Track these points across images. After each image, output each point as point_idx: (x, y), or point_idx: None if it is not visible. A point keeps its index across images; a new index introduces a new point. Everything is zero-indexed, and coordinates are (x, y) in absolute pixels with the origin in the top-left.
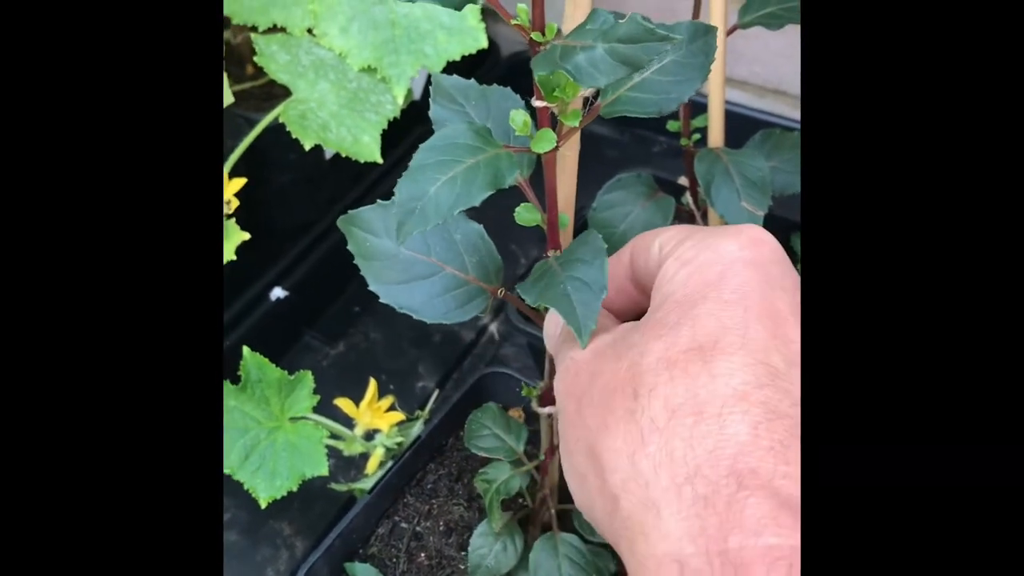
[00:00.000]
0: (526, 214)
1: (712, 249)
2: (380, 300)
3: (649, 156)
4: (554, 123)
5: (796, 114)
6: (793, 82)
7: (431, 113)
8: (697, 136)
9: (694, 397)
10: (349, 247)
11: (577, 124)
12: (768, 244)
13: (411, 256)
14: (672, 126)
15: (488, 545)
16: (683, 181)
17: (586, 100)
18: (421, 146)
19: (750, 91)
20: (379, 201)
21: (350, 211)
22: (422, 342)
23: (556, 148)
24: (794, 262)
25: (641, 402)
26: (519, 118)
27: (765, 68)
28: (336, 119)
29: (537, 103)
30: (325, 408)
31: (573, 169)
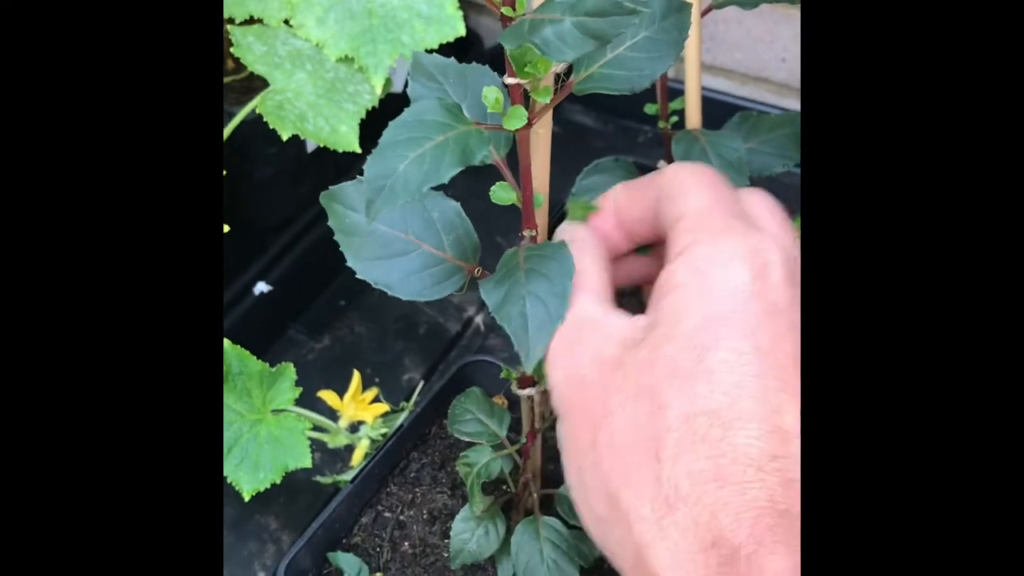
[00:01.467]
0: (501, 193)
1: (724, 270)
2: (365, 293)
3: (634, 146)
4: (527, 101)
5: (779, 101)
6: (775, 69)
7: (408, 91)
8: (675, 119)
9: (716, 465)
10: (330, 222)
11: (548, 101)
12: (776, 266)
13: (388, 233)
14: (650, 109)
15: (470, 530)
16: (661, 165)
17: (558, 77)
18: (391, 123)
19: (733, 79)
20: (359, 178)
21: (331, 187)
22: (408, 334)
23: (529, 126)
24: None
25: (665, 468)
26: (491, 95)
27: (746, 55)
28: (314, 109)
29: (509, 80)
30: (310, 401)
31: (546, 148)
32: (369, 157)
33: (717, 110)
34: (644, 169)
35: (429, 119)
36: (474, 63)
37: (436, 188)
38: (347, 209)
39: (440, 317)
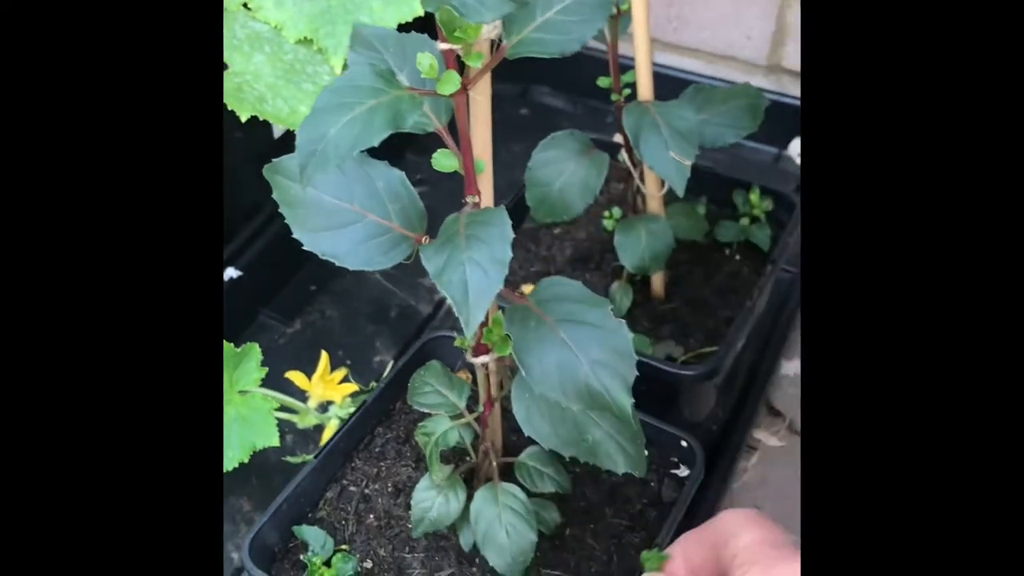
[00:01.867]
0: (443, 159)
1: None
2: (336, 277)
3: (602, 126)
4: (462, 67)
5: (746, 79)
6: (741, 47)
7: (348, 60)
8: (628, 91)
9: None
10: (275, 195)
11: (480, 65)
12: None
13: (334, 203)
14: (603, 82)
15: (431, 499)
16: (618, 139)
17: (493, 43)
18: (324, 89)
19: (700, 58)
20: None
21: (274, 160)
22: (379, 317)
23: (464, 91)
24: (734, 216)
25: None
26: (425, 61)
27: (713, 34)
28: (273, 91)
29: (441, 45)
30: (282, 385)
31: (487, 114)
32: (302, 123)
33: (683, 89)
34: (600, 143)
35: (361, 84)
36: (413, 32)
37: (399, 162)
38: (291, 182)
39: (412, 299)
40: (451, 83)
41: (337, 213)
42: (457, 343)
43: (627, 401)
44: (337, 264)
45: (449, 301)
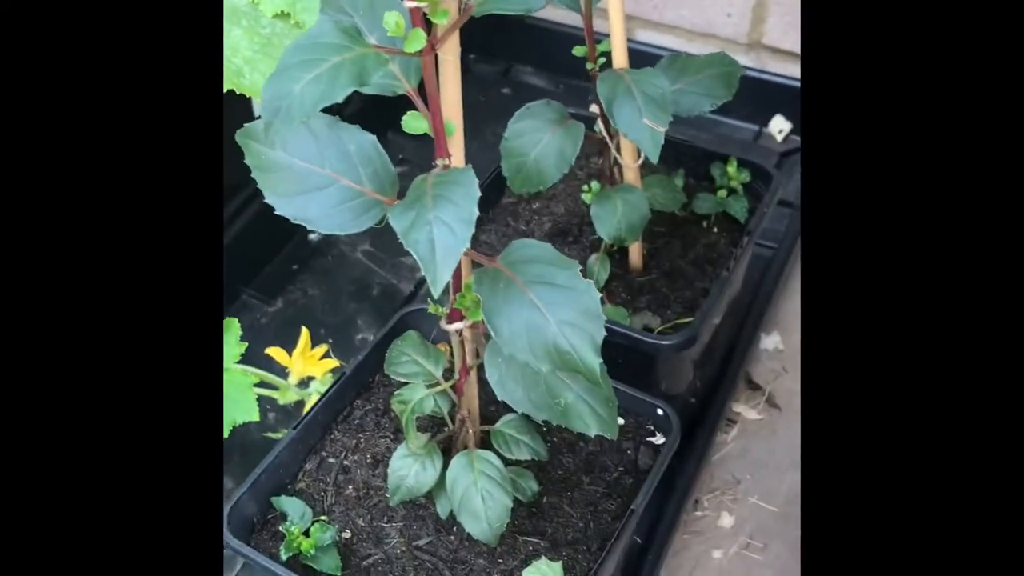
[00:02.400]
0: (412, 122)
1: None
2: (318, 256)
3: (584, 105)
4: (429, 26)
5: None
6: (722, 25)
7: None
8: (603, 60)
9: None
10: (246, 160)
11: (447, 23)
12: None
13: (305, 167)
14: (578, 51)
15: (407, 466)
16: (595, 109)
17: (461, 2)
18: (289, 46)
19: (679, 35)
20: None
21: (246, 124)
22: (361, 296)
23: (432, 50)
24: (711, 189)
25: None
26: (391, 19)
27: (693, 11)
28: (250, 64)
29: (408, 3)
30: (263, 363)
31: (456, 75)
32: (266, 81)
33: None
34: (578, 116)
35: (326, 42)
36: None
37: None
38: (263, 147)
39: (393, 278)
40: (417, 41)
41: (309, 177)
42: (431, 310)
43: (595, 361)
44: (309, 228)
45: (416, 259)
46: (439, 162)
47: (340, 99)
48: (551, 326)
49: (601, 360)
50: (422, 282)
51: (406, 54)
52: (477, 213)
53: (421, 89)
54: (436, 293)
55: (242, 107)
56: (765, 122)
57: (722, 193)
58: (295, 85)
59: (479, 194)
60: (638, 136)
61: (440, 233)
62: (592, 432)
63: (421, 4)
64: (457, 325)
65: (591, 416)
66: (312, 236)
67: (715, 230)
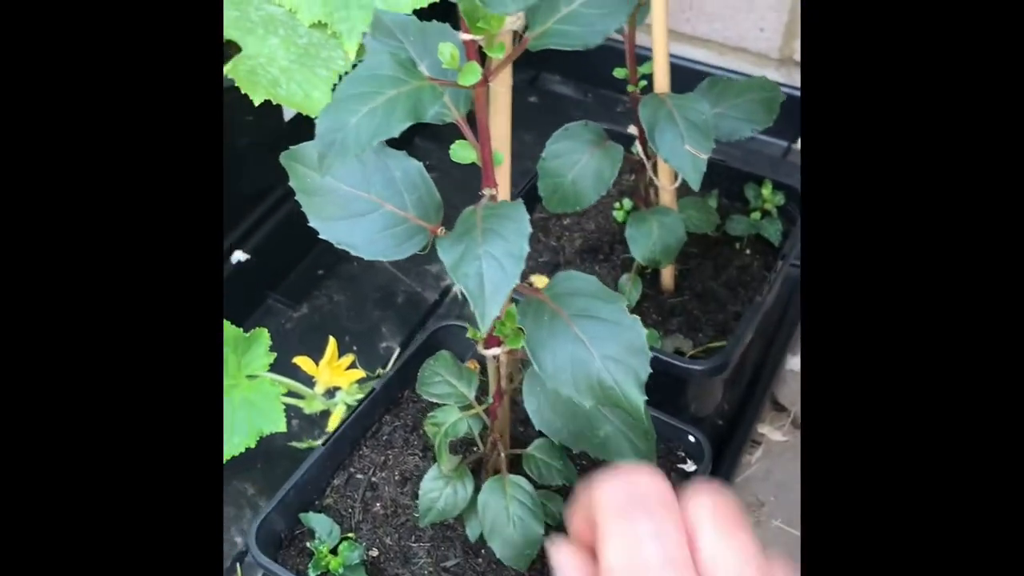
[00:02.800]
0: (461, 151)
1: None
2: (343, 262)
3: (612, 116)
4: (483, 58)
5: (757, 71)
6: (754, 39)
7: (367, 48)
8: (644, 83)
9: None
10: (291, 183)
11: (502, 56)
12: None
13: (350, 192)
14: (619, 73)
15: (438, 488)
16: (633, 130)
17: (515, 35)
18: (345, 77)
19: (711, 48)
20: None
21: (292, 148)
22: (385, 303)
23: (485, 82)
24: (745, 211)
25: None
26: (447, 51)
27: (725, 25)
28: (287, 75)
29: (464, 36)
30: (288, 370)
31: (506, 106)
32: (321, 111)
33: (694, 79)
34: (613, 135)
35: (382, 74)
36: (435, 21)
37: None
38: (308, 169)
39: (418, 286)
40: (472, 74)
41: (354, 202)
42: (469, 335)
43: (640, 398)
44: (352, 253)
45: (464, 294)
46: (486, 191)
47: (395, 134)
48: (595, 361)
49: (645, 397)
50: (446, 291)
51: (460, 86)
52: (528, 249)
53: (469, 116)
54: (484, 329)
55: (273, 114)
56: (794, 138)
57: (756, 215)
58: (351, 118)
59: (530, 230)
60: (680, 162)
61: (489, 268)
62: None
63: (477, 37)
64: (495, 351)
65: (630, 450)
66: None
67: (748, 252)
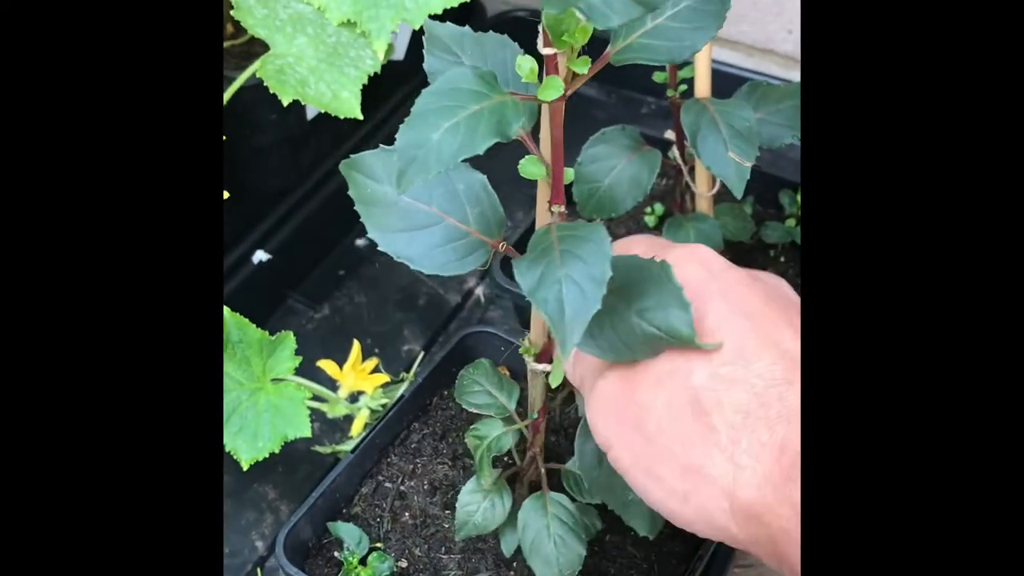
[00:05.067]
0: (531, 167)
1: (682, 270)
2: (365, 263)
3: (637, 117)
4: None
5: (785, 73)
6: (781, 41)
7: (425, 65)
8: (684, 87)
9: (755, 394)
10: (350, 192)
11: (586, 71)
12: (711, 260)
13: (412, 204)
14: (659, 77)
15: (476, 502)
16: (669, 135)
17: (583, 48)
18: (424, 91)
19: (739, 50)
20: (382, 147)
21: (352, 155)
22: (407, 305)
23: (563, 97)
24: (780, 217)
25: (714, 415)
26: (526, 64)
27: (753, 27)
28: (315, 74)
29: (546, 50)
30: (309, 371)
31: (560, 121)
32: (401, 126)
33: (722, 81)
34: (649, 139)
35: (464, 87)
36: (480, 31)
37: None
38: (367, 179)
39: (440, 288)
40: (555, 89)
41: (415, 214)
42: (522, 351)
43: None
44: (412, 267)
45: (545, 319)
46: (554, 209)
47: (481, 151)
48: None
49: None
50: (469, 294)
51: (542, 101)
52: (610, 273)
53: (534, 130)
54: (565, 356)
55: (296, 112)
56: None
57: (791, 222)
58: (432, 133)
59: (611, 253)
60: (723, 170)
61: (570, 293)
62: (641, 533)
63: (559, 51)
64: (546, 366)
65: (648, 521)
66: (359, 242)
67: (782, 259)
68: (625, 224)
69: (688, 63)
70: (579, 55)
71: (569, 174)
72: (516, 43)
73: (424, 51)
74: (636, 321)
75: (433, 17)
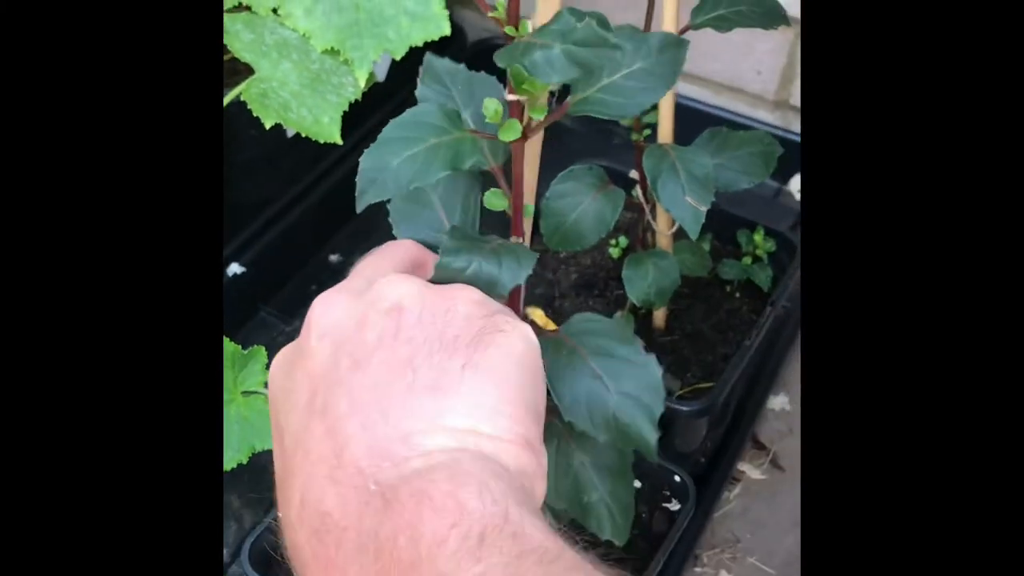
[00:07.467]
0: (495, 199)
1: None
2: (338, 277)
3: (608, 148)
4: (523, 116)
5: (753, 112)
6: (750, 80)
7: (418, 92)
8: (648, 131)
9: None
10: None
11: (542, 118)
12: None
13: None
14: (625, 121)
15: None
16: (634, 175)
17: (553, 95)
18: (392, 121)
19: (708, 87)
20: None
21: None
22: None
23: (524, 139)
24: (737, 255)
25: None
26: (491, 106)
27: (723, 65)
28: (297, 99)
29: (509, 96)
30: None
31: (535, 160)
32: (366, 150)
33: (690, 118)
34: (615, 174)
35: (427, 122)
36: (461, 61)
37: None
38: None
39: None
40: (513, 131)
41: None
42: None
43: (652, 435)
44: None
45: None
46: (513, 239)
47: (432, 180)
48: (612, 397)
49: (659, 433)
50: None
51: (499, 140)
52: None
53: (505, 166)
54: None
55: (275, 128)
56: (785, 180)
57: (747, 260)
58: (393, 160)
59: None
60: (680, 213)
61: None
62: (604, 536)
63: (521, 98)
64: None
65: (608, 521)
66: (333, 257)
67: (738, 295)
68: (590, 255)
69: (654, 107)
70: (556, 99)
71: (529, 209)
72: (502, 85)
73: (419, 80)
74: None
75: (414, 48)
